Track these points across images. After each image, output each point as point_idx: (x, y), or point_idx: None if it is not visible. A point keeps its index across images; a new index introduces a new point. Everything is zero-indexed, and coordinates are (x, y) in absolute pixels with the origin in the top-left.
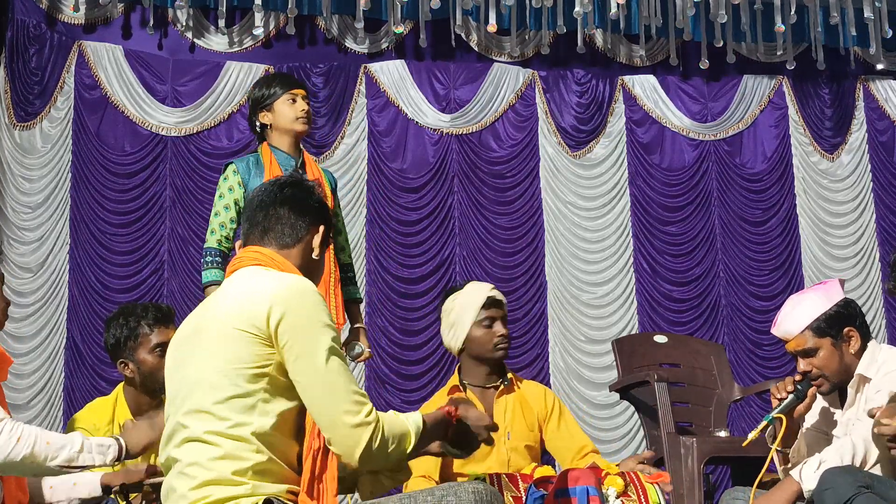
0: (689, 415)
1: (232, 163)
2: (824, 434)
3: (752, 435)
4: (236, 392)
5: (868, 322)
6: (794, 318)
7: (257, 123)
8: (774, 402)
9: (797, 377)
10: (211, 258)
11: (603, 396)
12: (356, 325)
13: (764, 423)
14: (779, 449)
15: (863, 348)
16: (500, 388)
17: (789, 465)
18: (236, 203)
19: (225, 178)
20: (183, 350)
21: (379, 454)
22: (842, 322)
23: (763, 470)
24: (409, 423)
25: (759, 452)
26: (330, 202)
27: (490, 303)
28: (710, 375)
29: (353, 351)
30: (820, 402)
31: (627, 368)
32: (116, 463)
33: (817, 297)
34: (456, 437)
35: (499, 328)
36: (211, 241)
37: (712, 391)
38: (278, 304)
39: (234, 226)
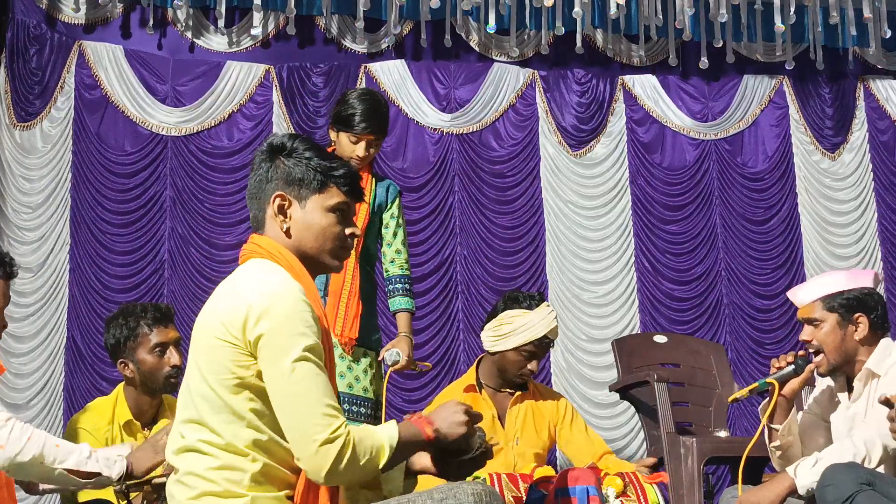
0: (689, 415)
1: None
2: (823, 422)
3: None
4: (224, 403)
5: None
6: (812, 287)
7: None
8: (772, 371)
9: (800, 353)
10: None
11: (604, 395)
12: (401, 333)
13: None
14: (769, 424)
15: (873, 341)
16: (516, 395)
17: (777, 444)
18: None
19: None
20: (191, 347)
21: (348, 472)
22: (855, 307)
23: (752, 442)
24: (383, 436)
25: (759, 453)
26: (363, 214)
27: (541, 342)
28: (710, 375)
29: (390, 359)
30: (827, 389)
31: (627, 368)
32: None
33: (842, 277)
34: (455, 464)
35: (533, 366)
36: None
37: (712, 391)
38: (254, 311)
39: None
